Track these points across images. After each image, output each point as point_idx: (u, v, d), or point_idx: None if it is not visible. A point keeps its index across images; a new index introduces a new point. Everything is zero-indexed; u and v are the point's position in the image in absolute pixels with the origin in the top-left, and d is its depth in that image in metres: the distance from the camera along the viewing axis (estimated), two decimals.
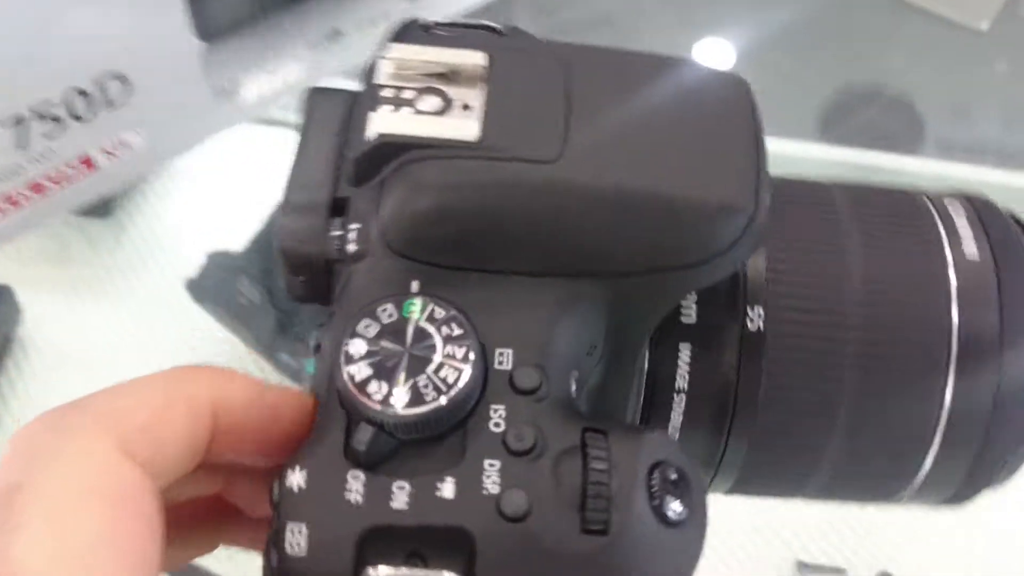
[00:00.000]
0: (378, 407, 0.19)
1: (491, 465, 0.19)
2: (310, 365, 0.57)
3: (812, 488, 0.26)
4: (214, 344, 0.59)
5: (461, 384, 0.20)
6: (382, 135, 0.21)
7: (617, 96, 0.22)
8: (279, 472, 0.20)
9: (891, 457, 0.25)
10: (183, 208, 0.66)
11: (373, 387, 0.20)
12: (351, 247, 0.22)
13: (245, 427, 0.21)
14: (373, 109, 0.22)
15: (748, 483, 0.26)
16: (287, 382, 0.56)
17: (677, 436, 0.25)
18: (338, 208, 0.22)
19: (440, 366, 0.20)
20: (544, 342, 0.21)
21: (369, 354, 0.20)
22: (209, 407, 0.21)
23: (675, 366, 0.24)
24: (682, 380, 0.24)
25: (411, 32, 0.24)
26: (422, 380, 0.20)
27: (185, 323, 0.59)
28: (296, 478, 0.19)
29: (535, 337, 0.21)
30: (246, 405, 0.21)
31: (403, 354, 0.20)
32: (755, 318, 0.24)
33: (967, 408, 0.24)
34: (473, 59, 0.22)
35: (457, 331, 0.20)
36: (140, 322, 0.61)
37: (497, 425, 0.20)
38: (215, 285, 0.56)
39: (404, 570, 0.19)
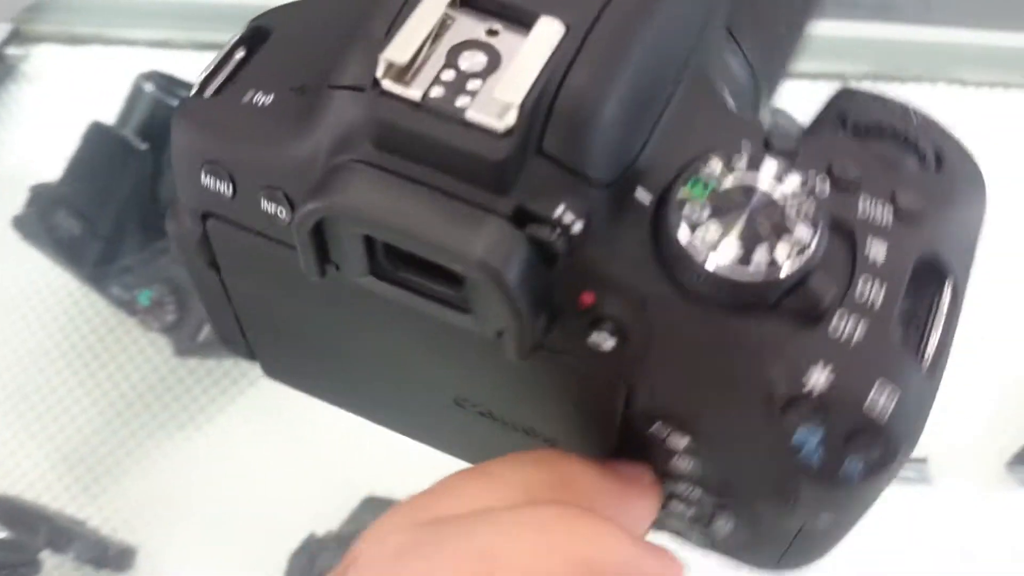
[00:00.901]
0: (803, 260, 0.19)
1: (866, 203, 0.20)
2: (143, 296, 0.54)
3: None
4: (49, 284, 0.56)
5: (817, 174, 0.20)
6: (523, 104, 0.18)
7: None
8: (788, 397, 0.19)
9: None
10: (20, 143, 0.62)
11: (780, 252, 0.19)
12: (577, 226, 0.19)
13: None
14: (462, 110, 0.19)
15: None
16: (122, 316, 0.54)
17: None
18: (521, 218, 0.19)
19: (786, 183, 0.19)
20: (749, 106, 0.22)
21: (741, 242, 0.19)
22: (586, 569, 0.17)
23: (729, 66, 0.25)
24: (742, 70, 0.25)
25: (197, 104, 0.21)
26: (795, 204, 0.19)
27: (25, 262, 0.57)
28: (822, 376, 0.19)
29: (738, 111, 0.22)
30: (624, 568, 0.18)
31: (751, 212, 0.19)
32: None
33: None
34: (437, 3, 0.20)
35: (753, 150, 0.20)
36: None
37: (822, 183, 0.20)
38: (38, 220, 0.52)
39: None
